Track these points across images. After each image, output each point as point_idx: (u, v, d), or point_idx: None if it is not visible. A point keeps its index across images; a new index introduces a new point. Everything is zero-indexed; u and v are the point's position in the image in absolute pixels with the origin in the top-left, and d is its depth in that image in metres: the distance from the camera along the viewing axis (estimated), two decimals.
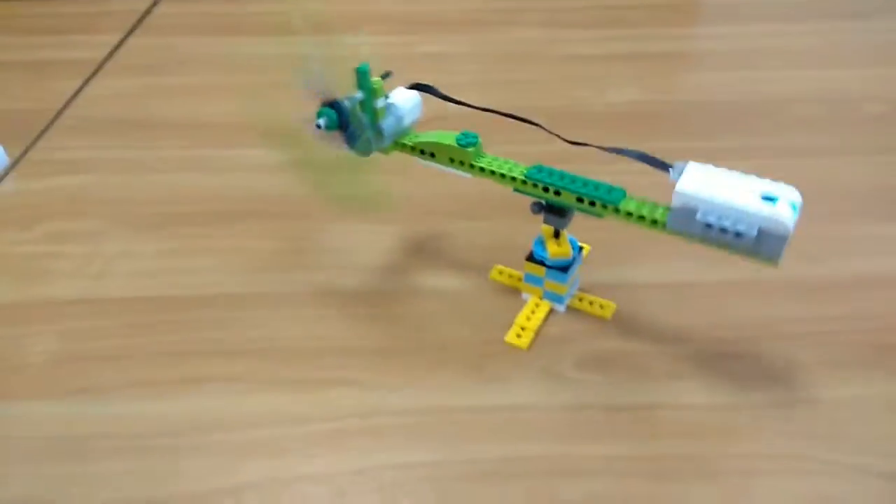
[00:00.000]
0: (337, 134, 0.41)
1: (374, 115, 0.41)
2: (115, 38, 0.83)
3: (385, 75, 0.41)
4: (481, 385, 0.40)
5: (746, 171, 0.35)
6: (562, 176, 0.39)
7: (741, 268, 0.47)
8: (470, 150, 0.41)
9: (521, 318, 0.43)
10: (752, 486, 0.34)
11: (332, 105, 0.40)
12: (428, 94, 0.43)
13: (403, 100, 0.42)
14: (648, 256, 0.48)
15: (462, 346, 0.42)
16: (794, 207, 0.33)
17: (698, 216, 0.34)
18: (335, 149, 0.42)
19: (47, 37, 0.84)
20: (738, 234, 0.33)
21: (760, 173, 0.34)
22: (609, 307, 0.45)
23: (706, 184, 0.34)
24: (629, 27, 0.82)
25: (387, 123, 0.42)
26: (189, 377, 0.41)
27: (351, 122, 0.40)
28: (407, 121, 0.43)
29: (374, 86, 0.40)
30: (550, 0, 0.92)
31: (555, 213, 0.40)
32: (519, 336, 0.42)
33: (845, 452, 0.36)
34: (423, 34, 0.83)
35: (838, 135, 0.62)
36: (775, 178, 0.34)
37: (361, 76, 0.40)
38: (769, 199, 0.33)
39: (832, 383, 0.39)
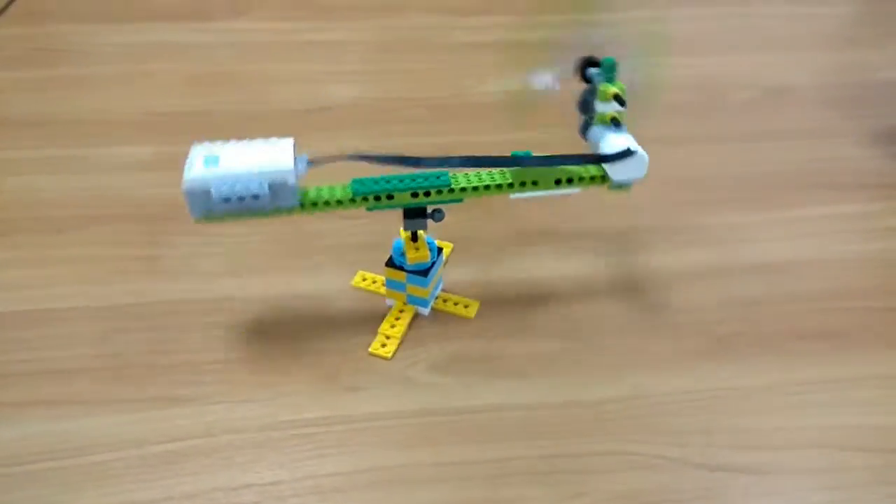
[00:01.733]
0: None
1: (592, 108, 0.39)
2: None
3: (619, 100, 0.38)
4: (334, 395, 0.39)
5: None
6: (387, 180, 0.38)
7: (596, 261, 0.48)
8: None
9: (384, 327, 0.42)
10: (586, 484, 0.35)
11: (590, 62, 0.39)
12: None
13: (616, 140, 0.38)
14: (510, 252, 0.48)
15: (317, 355, 0.41)
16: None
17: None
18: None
19: None
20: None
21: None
22: (473, 306, 0.44)
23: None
24: (516, 14, 0.82)
25: (592, 134, 0.40)
26: (11, 401, 0.38)
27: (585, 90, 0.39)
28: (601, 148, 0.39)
29: (609, 87, 0.38)
30: None
31: (409, 216, 0.40)
32: (383, 345, 0.41)
33: (669, 446, 0.36)
34: (311, 21, 0.81)
35: (705, 123, 0.63)
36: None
37: (607, 67, 0.38)
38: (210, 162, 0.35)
39: (666, 377, 0.40)
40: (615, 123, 0.39)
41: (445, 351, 0.42)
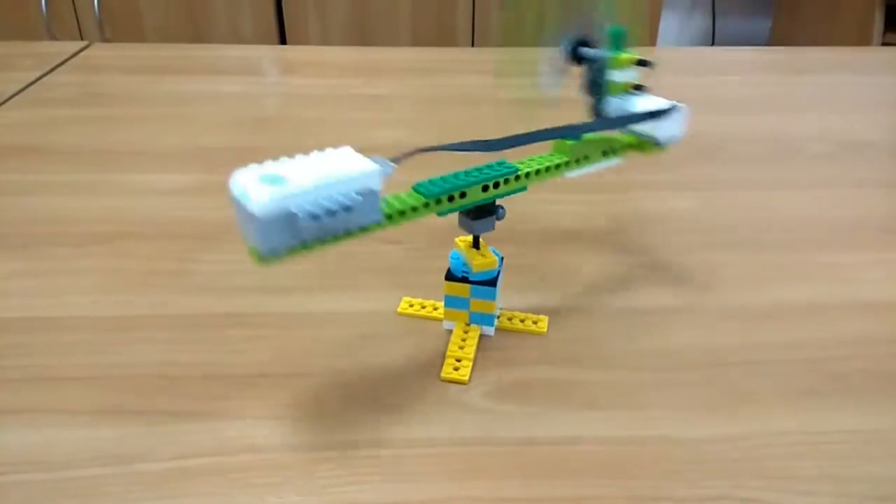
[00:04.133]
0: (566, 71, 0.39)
1: (604, 82, 0.37)
2: (34, 76, 0.78)
3: (643, 63, 0.37)
4: (375, 417, 0.33)
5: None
6: (454, 177, 0.33)
7: (680, 292, 0.43)
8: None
9: (452, 349, 0.36)
10: None
11: (583, 41, 0.38)
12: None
13: (638, 102, 0.37)
14: (569, 265, 0.43)
15: (356, 375, 0.35)
16: (271, 181, 0.26)
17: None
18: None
19: None
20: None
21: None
22: (542, 321, 0.38)
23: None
24: (574, 77, 0.81)
25: (610, 104, 0.38)
26: (2, 408, 0.33)
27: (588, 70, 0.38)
28: (642, 128, 0.38)
29: (619, 55, 0.37)
30: (490, 53, 0.91)
31: (467, 214, 0.35)
32: (456, 369, 0.35)
33: (792, 494, 0.29)
34: (360, 78, 0.81)
35: (781, 170, 0.59)
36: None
37: (612, 37, 0.37)
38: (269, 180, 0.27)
39: (776, 416, 0.33)
40: (638, 89, 0.37)
41: (506, 375, 0.35)
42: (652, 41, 1.55)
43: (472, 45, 1.53)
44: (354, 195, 0.28)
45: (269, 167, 0.28)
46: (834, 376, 0.36)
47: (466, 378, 0.35)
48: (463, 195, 0.33)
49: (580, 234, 0.48)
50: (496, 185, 0.33)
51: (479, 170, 0.34)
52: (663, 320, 0.39)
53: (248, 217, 0.27)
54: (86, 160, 0.59)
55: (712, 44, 2.13)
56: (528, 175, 0.34)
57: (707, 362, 0.36)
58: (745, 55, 0.92)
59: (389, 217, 0.30)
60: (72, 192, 0.54)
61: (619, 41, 0.37)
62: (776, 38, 1.99)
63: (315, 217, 0.27)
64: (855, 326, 0.39)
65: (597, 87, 0.38)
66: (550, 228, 0.49)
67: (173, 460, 0.30)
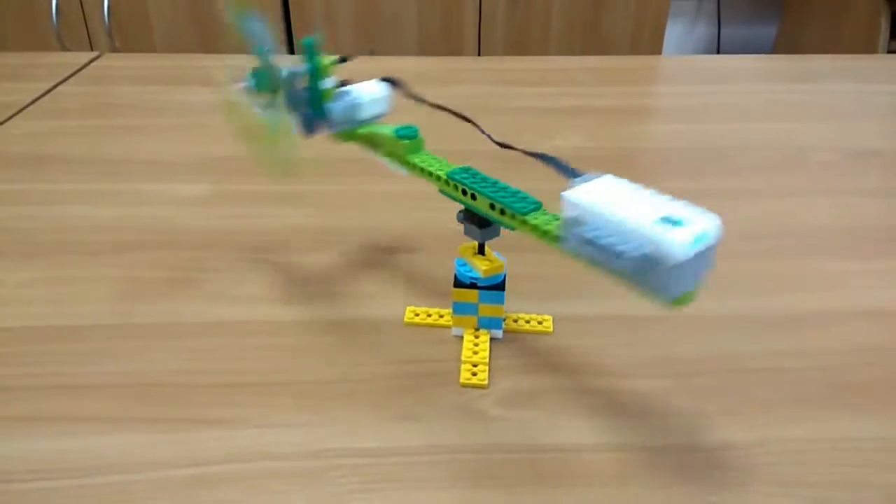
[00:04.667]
0: (271, 101, 0.39)
1: (318, 94, 0.38)
2: (47, 86, 0.79)
3: (342, 60, 0.39)
4: (387, 425, 0.33)
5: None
6: (484, 179, 0.34)
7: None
8: (405, 143, 0.36)
9: (466, 354, 0.36)
10: None
11: (266, 69, 0.38)
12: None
13: (364, 90, 0.39)
14: (578, 286, 0.43)
15: (369, 383, 0.36)
16: (698, 239, 0.25)
17: (583, 230, 0.27)
18: (269, 116, 0.39)
19: None
20: (618, 255, 0.26)
21: (710, 212, 0.28)
22: (547, 321, 0.39)
23: (602, 196, 0.27)
24: (580, 86, 0.81)
25: (337, 108, 0.38)
26: (24, 415, 0.33)
27: (286, 92, 0.38)
28: (366, 112, 0.39)
29: (321, 63, 0.37)
30: (504, 62, 0.92)
31: (475, 222, 0.35)
32: (474, 374, 0.35)
33: (808, 500, 0.29)
34: None
35: (788, 179, 0.59)
36: (725, 217, 0.28)
37: (307, 49, 0.37)
38: (671, 222, 0.25)
39: (791, 424, 0.33)
40: (343, 84, 0.39)
41: (517, 381, 0.36)
42: (657, 49, 1.56)
43: (479, 54, 1.54)
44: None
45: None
46: (846, 385, 0.36)
47: (485, 382, 0.35)
48: (474, 197, 0.33)
49: None
50: (502, 213, 0.32)
51: (505, 190, 0.33)
52: (674, 328, 0.40)
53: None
54: (98, 170, 0.60)
55: (717, 51, 2.14)
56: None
57: (719, 370, 0.37)
58: (751, 63, 0.93)
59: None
60: (84, 201, 0.54)
61: (315, 49, 0.37)
62: (781, 46, 2.00)
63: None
64: (866, 335, 0.39)
65: (301, 100, 0.38)
66: None
67: (194, 467, 0.30)
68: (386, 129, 0.38)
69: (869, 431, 0.33)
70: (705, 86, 0.82)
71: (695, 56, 1.60)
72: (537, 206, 0.32)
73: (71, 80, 0.82)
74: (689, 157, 0.63)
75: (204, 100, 0.76)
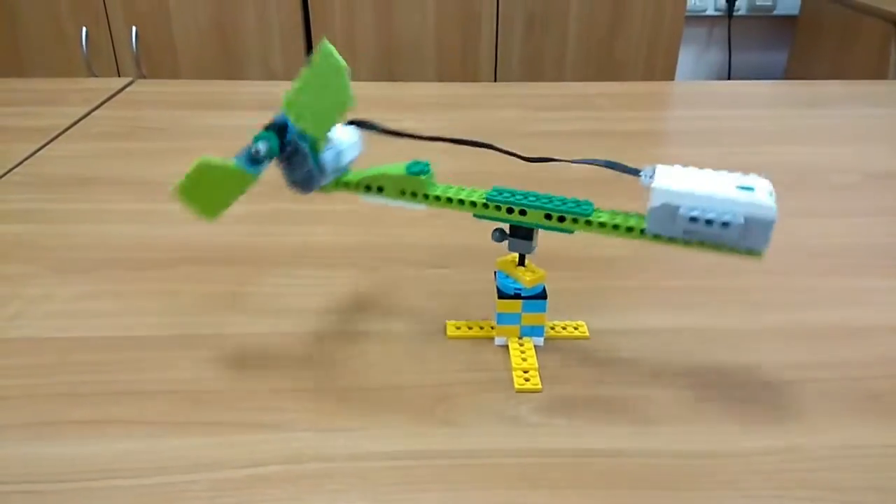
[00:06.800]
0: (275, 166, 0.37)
1: (315, 147, 0.37)
2: (83, 111, 0.82)
3: (371, 126, 0.39)
4: (431, 430, 0.34)
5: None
6: (524, 195, 0.36)
7: (718, 314, 0.44)
8: (422, 178, 0.38)
9: (516, 361, 0.38)
10: None
11: (276, 128, 0.36)
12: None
13: (342, 135, 0.39)
14: (607, 302, 0.45)
15: (413, 391, 0.37)
16: (771, 195, 0.31)
17: (681, 211, 0.32)
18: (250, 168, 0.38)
19: (13, 107, 0.83)
20: (724, 224, 0.31)
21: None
22: (582, 326, 0.41)
23: (682, 180, 0.32)
24: (599, 110, 0.83)
25: (326, 158, 0.37)
26: (91, 419, 0.35)
27: (291, 151, 0.36)
28: (346, 158, 0.39)
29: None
30: (525, 88, 0.94)
31: (521, 236, 0.37)
32: (527, 379, 0.37)
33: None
34: (404, 112, 0.84)
35: (807, 200, 0.60)
36: None
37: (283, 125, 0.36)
38: (746, 188, 0.31)
39: (816, 430, 0.34)
40: (356, 123, 0.39)
41: (556, 388, 0.37)
42: (670, 76, 1.59)
43: (495, 80, 1.57)
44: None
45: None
46: (873, 395, 0.37)
47: (539, 386, 0.37)
48: (523, 213, 0.35)
49: (612, 256, 0.50)
50: (561, 219, 0.35)
51: (551, 199, 0.35)
52: (705, 340, 0.41)
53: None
54: (138, 190, 0.62)
55: (728, 77, 2.17)
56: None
57: (750, 380, 0.38)
58: (764, 88, 0.95)
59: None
60: (127, 220, 0.56)
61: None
62: (792, 72, 2.02)
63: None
64: (890, 347, 0.41)
65: (300, 159, 0.37)
66: (581, 247, 0.51)
67: (250, 468, 0.32)
68: (395, 169, 0.38)
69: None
70: (721, 110, 0.84)
71: (709, 81, 1.63)
72: (592, 206, 0.35)
73: (107, 104, 0.85)
74: None
75: (233, 123, 0.79)
